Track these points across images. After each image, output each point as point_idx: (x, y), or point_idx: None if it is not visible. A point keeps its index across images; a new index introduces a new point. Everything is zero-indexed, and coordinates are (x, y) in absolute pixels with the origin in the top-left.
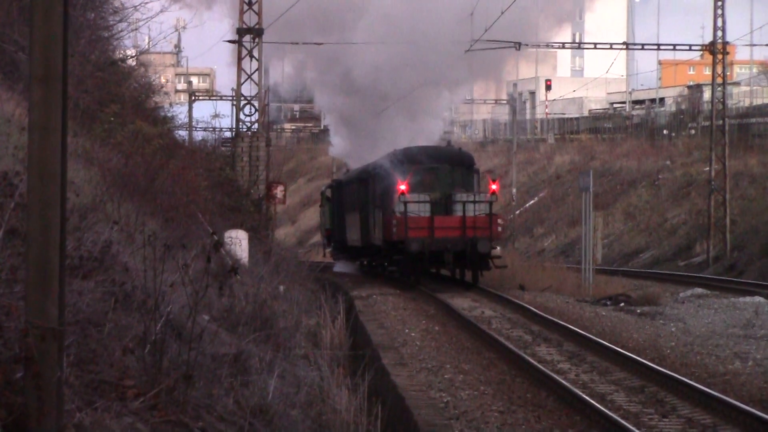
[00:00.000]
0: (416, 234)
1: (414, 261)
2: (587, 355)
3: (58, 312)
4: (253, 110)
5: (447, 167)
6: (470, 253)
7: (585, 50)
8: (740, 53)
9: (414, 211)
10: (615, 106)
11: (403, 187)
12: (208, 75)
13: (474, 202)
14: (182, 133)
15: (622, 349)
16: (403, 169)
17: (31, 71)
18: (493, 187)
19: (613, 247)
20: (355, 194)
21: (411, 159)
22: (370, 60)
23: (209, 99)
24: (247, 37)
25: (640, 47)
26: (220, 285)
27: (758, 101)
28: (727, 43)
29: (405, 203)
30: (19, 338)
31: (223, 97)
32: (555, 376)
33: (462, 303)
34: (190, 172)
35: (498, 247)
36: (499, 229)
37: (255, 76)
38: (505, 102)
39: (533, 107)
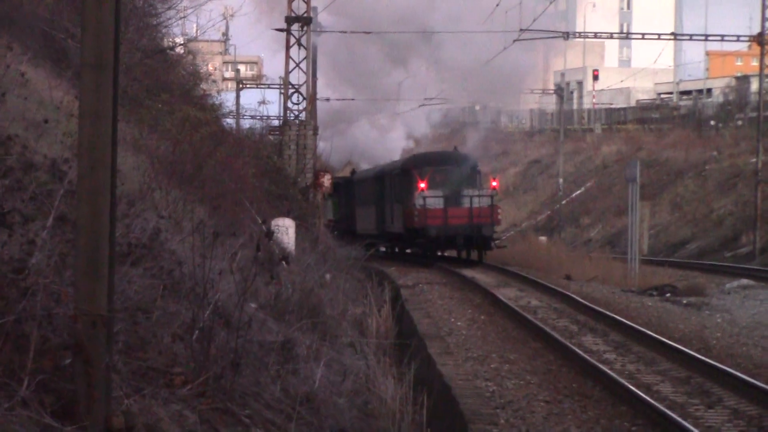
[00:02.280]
0: (434, 222)
1: (432, 244)
2: (633, 346)
3: (107, 299)
4: (300, 98)
5: (455, 168)
6: (476, 236)
7: (632, 40)
8: None
9: (431, 204)
10: (662, 96)
11: (422, 185)
12: (255, 63)
13: (479, 196)
14: (229, 121)
15: (668, 339)
16: (420, 170)
17: (82, 58)
18: (494, 184)
19: (659, 237)
20: (369, 191)
21: (426, 162)
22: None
23: (257, 87)
24: (295, 26)
25: (687, 38)
26: (270, 274)
27: None
28: None
29: (424, 198)
30: (68, 325)
31: (271, 86)
32: (601, 366)
33: (508, 293)
34: (238, 160)
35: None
36: (499, 217)
37: (303, 65)
38: (552, 92)
39: (580, 97)
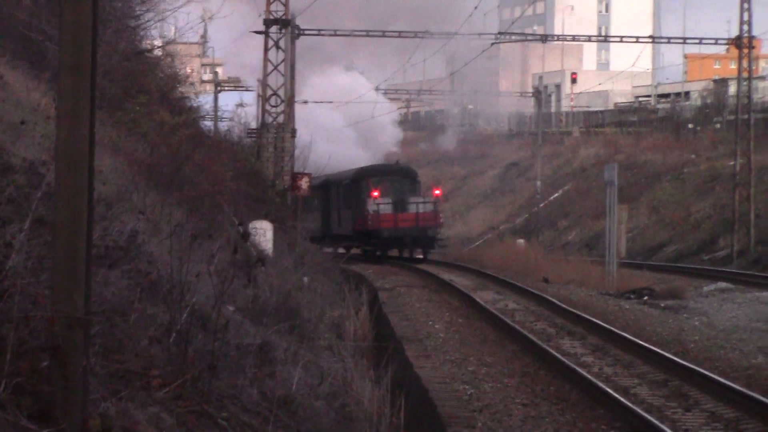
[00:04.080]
0: (386, 225)
1: (384, 243)
2: (611, 349)
3: (84, 301)
4: (279, 101)
5: (399, 179)
6: (422, 237)
7: (611, 43)
8: (766, 47)
9: (383, 209)
10: (640, 99)
11: (376, 194)
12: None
13: (424, 202)
14: (208, 124)
15: (645, 342)
16: (372, 180)
17: (60, 60)
18: (437, 192)
19: (637, 240)
20: (313, 197)
21: (376, 173)
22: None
23: (234, 89)
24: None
25: (666, 41)
26: (247, 276)
27: None
28: (753, 37)
29: (378, 204)
30: (45, 327)
31: (249, 88)
32: (578, 369)
33: (486, 296)
34: (216, 163)
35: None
36: (441, 220)
37: (281, 67)
38: (530, 94)
39: (559, 100)
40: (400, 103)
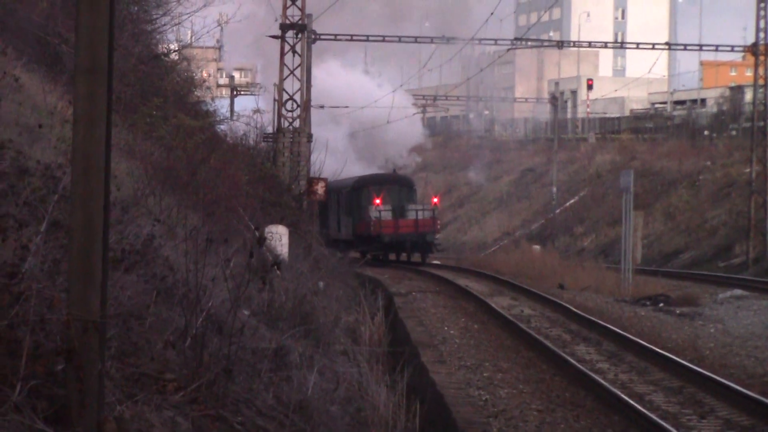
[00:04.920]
0: (387, 230)
1: (385, 248)
2: (626, 355)
3: (100, 305)
4: (294, 106)
5: (397, 188)
6: (421, 242)
7: (627, 50)
8: None
9: (384, 216)
10: (656, 106)
11: (378, 201)
12: (250, 70)
13: (423, 209)
14: (223, 127)
15: (661, 349)
16: (374, 189)
17: (76, 63)
18: (435, 200)
19: (652, 247)
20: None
21: (376, 182)
22: None
23: (251, 94)
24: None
25: (682, 48)
26: (263, 280)
27: None
28: None
29: (380, 211)
30: (61, 330)
31: (260, 93)
32: (594, 375)
33: (501, 301)
34: (232, 167)
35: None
36: (438, 227)
37: (297, 72)
38: (546, 100)
39: (574, 106)
40: (416, 109)
